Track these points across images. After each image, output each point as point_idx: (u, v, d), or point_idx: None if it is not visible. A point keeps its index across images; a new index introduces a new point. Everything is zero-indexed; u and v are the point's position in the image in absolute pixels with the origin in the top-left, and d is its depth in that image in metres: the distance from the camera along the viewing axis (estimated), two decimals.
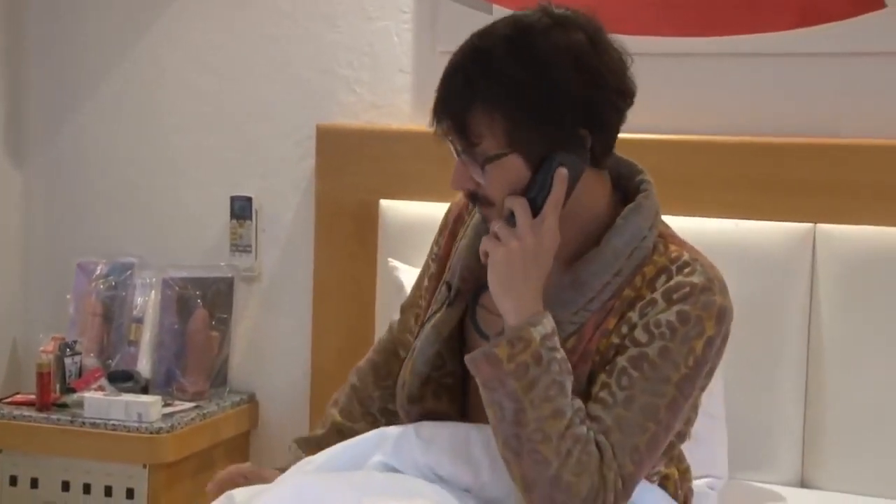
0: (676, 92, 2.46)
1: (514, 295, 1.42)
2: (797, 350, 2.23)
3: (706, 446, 2.10)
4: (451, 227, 1.71)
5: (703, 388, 1.53)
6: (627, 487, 1.42)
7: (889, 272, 2.19)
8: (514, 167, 1.45)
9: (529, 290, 1.43)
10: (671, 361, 1.43)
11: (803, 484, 2.23)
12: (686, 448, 1.97)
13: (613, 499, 1.40)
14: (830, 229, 2.24)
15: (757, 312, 2.23)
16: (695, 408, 1.58)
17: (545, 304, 1.45)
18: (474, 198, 1.51)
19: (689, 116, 2.44)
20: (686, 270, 1.47)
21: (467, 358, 1.45)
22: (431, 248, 1.75)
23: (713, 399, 2.14)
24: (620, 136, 2.40)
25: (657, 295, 1.45)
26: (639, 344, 1.44)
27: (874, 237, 2.22)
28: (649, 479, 1.57)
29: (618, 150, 2.58)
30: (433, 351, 1.59)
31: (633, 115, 2.45)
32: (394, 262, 2.44)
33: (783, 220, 2.27)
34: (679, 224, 2.31)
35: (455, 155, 1.49)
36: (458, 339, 1.61)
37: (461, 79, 1.45)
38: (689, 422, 1.60)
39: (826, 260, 2.23)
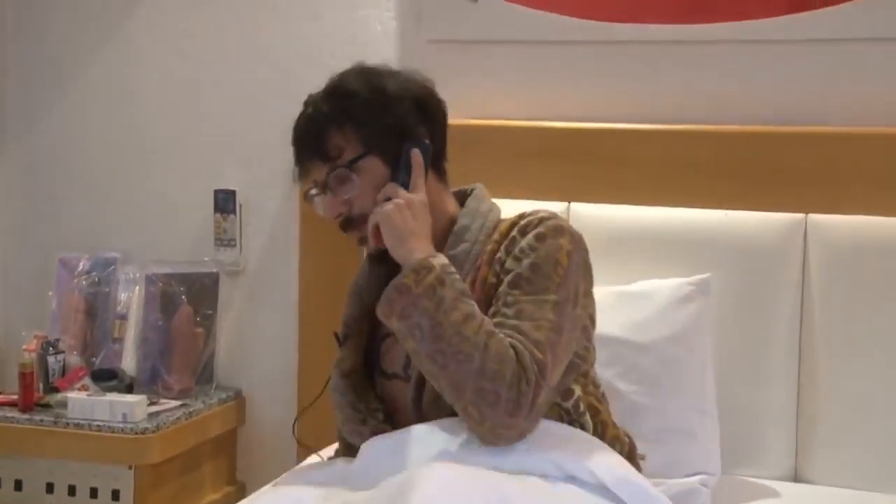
0: (664, 80, 2.44)
1: (408, 240, 1.64)
2: (789, 341, 2.21)
3: (699, 443, 2.09)
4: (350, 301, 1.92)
5: (586, 309, 1.74)
6: (544, 373, 1.58)
7: (880, 262, 2.17)
8: (375, 167, 1.70)
9: (421, 236, 1.65)
10: (542, 274, 1.65)
11: (796, 478, 2.21)
12: (679, 444, 1.95)
13: (535, 381, 1.56)
14: (821, 219, 2.22)
15: (748, 303, 2.22)
16: (585, 329, 1.75)
17: None
18: (349, 222, 1.72)
19: (678, 105, 2.41)
20: (530, 215, 1.73)
21: (380, 303, 1.61)
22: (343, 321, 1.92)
23: (705, 395, 2.13)
24: (610, 125, 2.41)
25: (515, 233, 1.70)
26: (511, 271, 1.66)
27: (865, 227, 2.19)
28: (576, 407, 1.70)
29: (607, 140, 2.56)
30: (347, 401, 1.78)
31: (620, 104, 2.45)
32: None
33: (774, 211, 2.24)
34: (668, 214, 2.31)
35: (321, 193, 1.71)
36: (371, 389, 1.80)
37: (310, 113, 1.73)
38: (590, 351, 1.77)
39: (817, 250, 2.20)
